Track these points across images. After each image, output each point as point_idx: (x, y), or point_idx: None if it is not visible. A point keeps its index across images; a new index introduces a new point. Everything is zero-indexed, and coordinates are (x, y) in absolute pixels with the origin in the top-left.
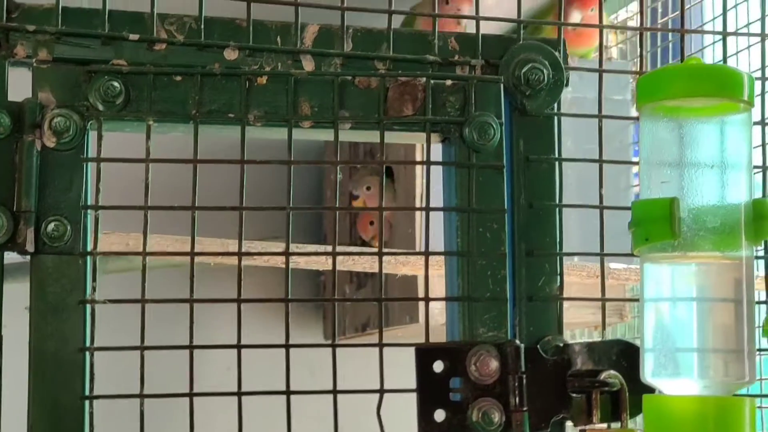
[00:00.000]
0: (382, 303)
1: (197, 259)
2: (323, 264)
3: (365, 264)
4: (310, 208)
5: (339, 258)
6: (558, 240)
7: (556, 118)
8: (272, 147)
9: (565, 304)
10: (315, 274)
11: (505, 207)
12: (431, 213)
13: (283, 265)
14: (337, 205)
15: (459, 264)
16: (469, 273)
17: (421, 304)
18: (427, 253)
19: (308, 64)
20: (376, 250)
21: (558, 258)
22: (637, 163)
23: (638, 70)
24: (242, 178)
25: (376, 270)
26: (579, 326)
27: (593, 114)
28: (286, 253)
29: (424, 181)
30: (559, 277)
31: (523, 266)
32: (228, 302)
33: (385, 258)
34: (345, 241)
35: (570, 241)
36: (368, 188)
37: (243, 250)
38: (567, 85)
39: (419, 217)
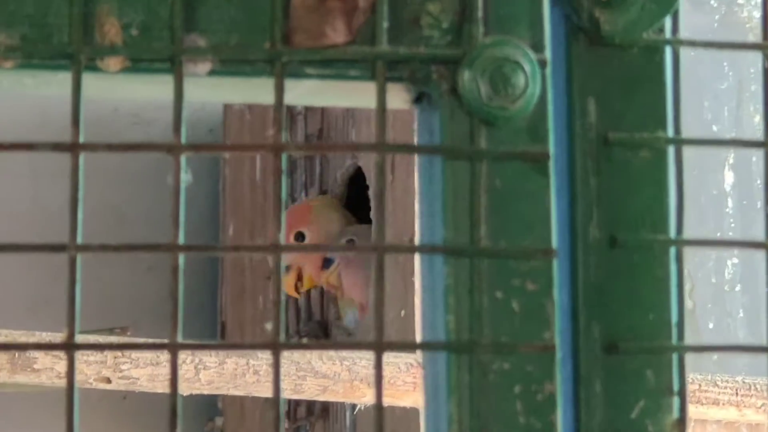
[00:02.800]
0: None
1: None
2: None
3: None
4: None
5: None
6: (674, 318)
7: (668, 51)
8: None
9: None
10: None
11: (553, 245)
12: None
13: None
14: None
15: (453, 368)
16: (477, 404)
17: None
18: None
19: None
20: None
21: (676, 357)
22: None
23: None
24: None
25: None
26: None
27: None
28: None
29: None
30: (676, 401)
31: (597, 374)
32: None
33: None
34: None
35: (703, 321)
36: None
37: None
38: None
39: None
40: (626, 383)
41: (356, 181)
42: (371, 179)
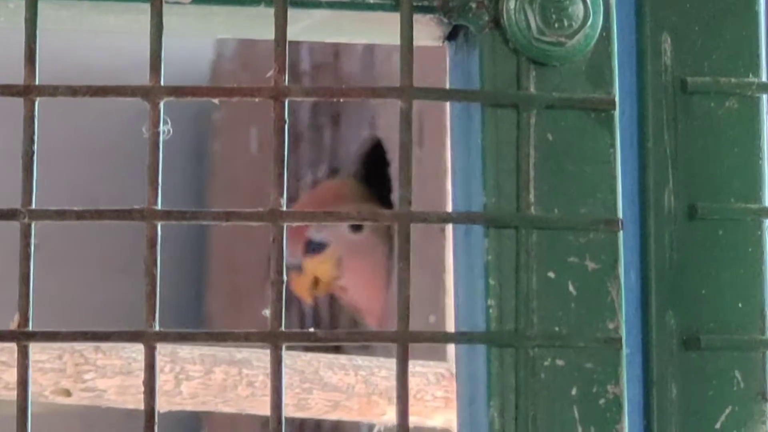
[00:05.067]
0: None
1: None
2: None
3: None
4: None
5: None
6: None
7: None
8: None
9: None
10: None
11: (619, 214)
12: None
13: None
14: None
15: (494, 366)
16: (524, 410)
17: None
18: None
19: None
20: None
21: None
22: None
23: None
24: None
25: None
26: None
27: None
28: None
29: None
30: None
31: (672, 374)
32: None
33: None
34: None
35: None
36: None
37: None
38: None
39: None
40: (709, 386)
41: (374, 157)
42: (394, 154)
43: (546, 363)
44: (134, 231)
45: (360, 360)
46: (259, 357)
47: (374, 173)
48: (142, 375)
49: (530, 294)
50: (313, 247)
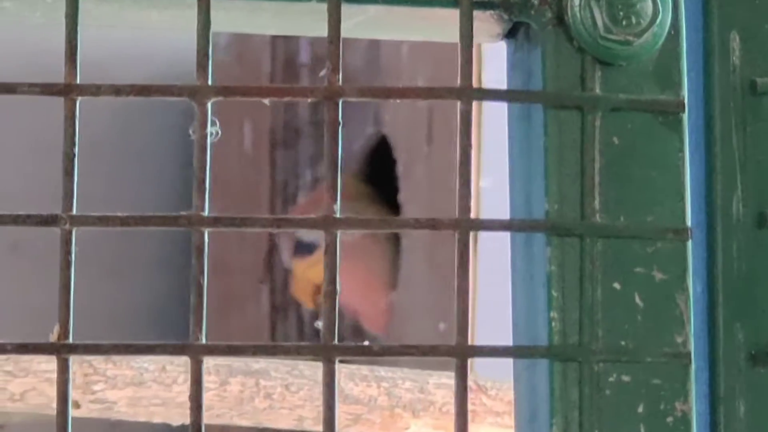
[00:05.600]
0: None
1: None
2: None
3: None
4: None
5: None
6: None
7: None
8: None
9: None
10: None
11: (687, 222)
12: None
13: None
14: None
15: (557, 381)
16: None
17: None
18: None
19: None
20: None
21: None
22: None
23: None
24: None
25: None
26: None
27: None
28: None
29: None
30: None
31: (741, 390)
32: None
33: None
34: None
35: None
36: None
37: None
38: None
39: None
40: None
41: (379, 155)
42: (400, 152)
43: (611, 379)
44: (117, 234)
45: (383, 371)
46: (277, 367)
47: (379, 172)
48: (154, 386)
49: (595, 306)
50: (303, 249)
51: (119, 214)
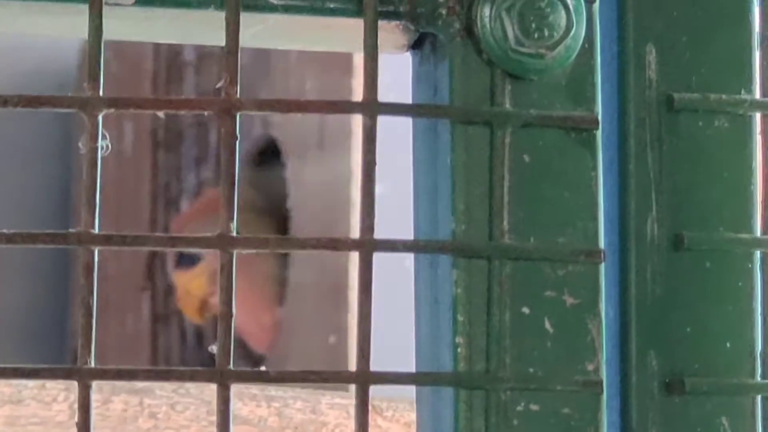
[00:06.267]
0: None
1: None
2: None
3: None
4: None
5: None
6: (758, 347)
7: None
8: None
9: None
10: None
11: (601, 246)
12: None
13: None
14: None
15: (462, 410)
16: None
17: None
18: None
19: None
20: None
21: (760, 399)
22: None
23: None
24: None
25: None
26: None
27: None
28: None
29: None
30: None
31: (654, 420)
32: None
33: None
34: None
35: None
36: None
37: None
38: None
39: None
40: None
41: (267, 158)
42: (290, 155)
43: (519, 408)
44: None
45: (273, 390)
46: (162, 386)
47: (267, 177)
48: (33, 404)
49: (503, 331)
50: (185, 261)
51: (5, 230)
